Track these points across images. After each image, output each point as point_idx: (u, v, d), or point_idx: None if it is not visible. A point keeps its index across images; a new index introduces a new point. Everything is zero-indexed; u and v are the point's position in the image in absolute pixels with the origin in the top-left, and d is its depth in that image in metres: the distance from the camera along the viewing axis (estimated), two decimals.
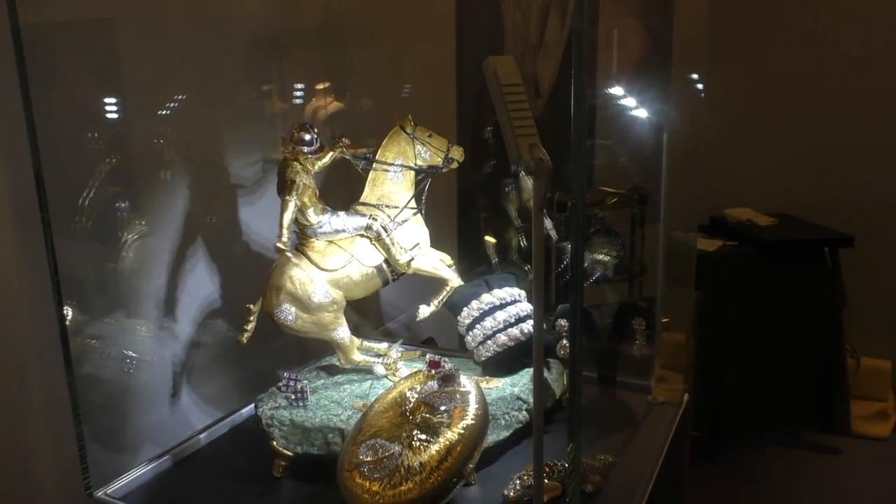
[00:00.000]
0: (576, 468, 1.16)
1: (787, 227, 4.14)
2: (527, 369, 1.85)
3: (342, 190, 2.04)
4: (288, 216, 1.69)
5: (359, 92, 2.70)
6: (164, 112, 2.04)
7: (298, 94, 2.53)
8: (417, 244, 1.87)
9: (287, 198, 1.70)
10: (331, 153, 1.85)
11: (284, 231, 1.67)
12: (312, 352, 2.16)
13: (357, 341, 1.91)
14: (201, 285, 2.11)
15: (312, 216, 1.77)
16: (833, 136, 4.26)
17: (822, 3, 4.25)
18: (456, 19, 3.04)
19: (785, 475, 3.85)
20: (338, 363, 1.90)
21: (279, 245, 1.66)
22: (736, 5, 4.35)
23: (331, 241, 1.81)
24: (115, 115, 1.93)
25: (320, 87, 2.66)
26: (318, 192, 1.80)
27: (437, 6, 3.06)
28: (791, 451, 4.04)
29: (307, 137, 1.72)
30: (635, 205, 3.05)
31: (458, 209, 3.04)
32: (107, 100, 1.90)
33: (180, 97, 2.06)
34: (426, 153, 1.88)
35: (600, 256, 2.67)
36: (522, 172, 2.41)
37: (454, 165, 1.91)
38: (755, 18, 4.37)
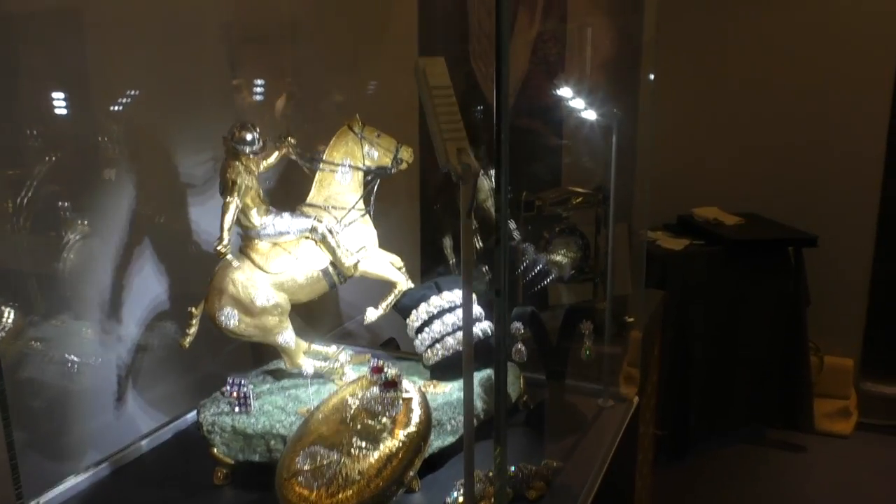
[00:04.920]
0: (501, 473, 1.14)
1: (753, 226, 4.16)
2: (477, 373, 1.82)
3: (289, 190, 2.01)
4: (228, 218, 1.65)
5: (317, 89, 2.67)
6: (108, 109, 1.99)
7: (256, 90, 2.49)
8: (364, 247, 1.84)
9: (228, 199, 1.67)
10: (276, 152, 1.82)
11: (225, 234, 1.63)
12: (266, 353, 2.13)
13: (304, 345, 1.88)
14: (148, 286, 2.06)
15: (256, 218, 1.74)
16: (799, 137, 4.29)
17: (783, 4, 4.27)
18: (418, 16, 3.01)
19: (750, 472, 3.88)
20: (284, 367, 1.87)
21: (219, 248, 1.62)
22: (696, 6, 4.36)
23: (275, 243, 1.77)
24: (56, 112, 1.88)
25: (281, 81, 2.62)
26: (261, 193, 1.76)
27: (399, 2, 3.03)
28: (756, 449, 4.07)
29: (249, 137, 1.68)
30: (600, 204, 3.05)
31: (421, 207, 3.01)
32: (47, 95, 1.84)
33: (127, 94, 2.01)
34: (374, 153, 1.85)
35: (558, 258, 2.65)
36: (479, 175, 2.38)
37: (403, 166, 1.88)
38: (716, 18, 4.38)
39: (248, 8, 2.43)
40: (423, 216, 2.92)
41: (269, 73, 2.53)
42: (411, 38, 3.05)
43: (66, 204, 1.91)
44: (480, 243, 2.33)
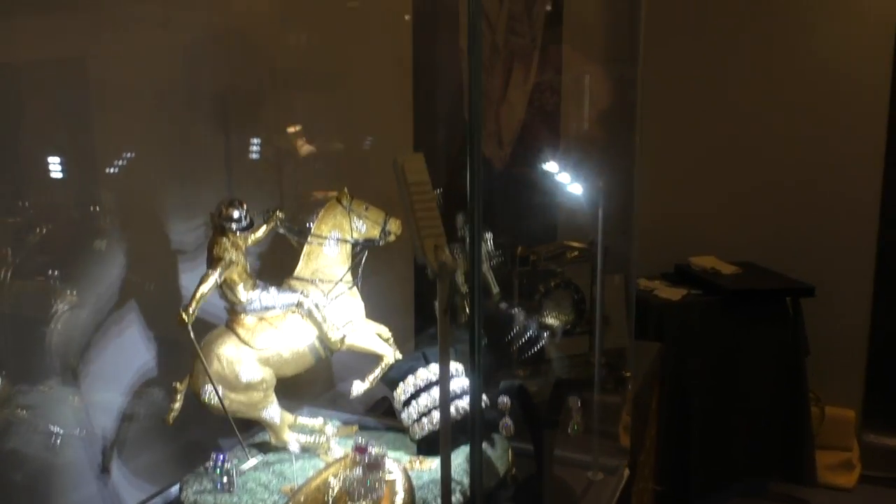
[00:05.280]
0: None
1: (750, 276, 4.15)
2: (463, 447, 1.81)
3: (280, 260, 2.01)
4: (203, 288, 1.65)
5: (314, 144, 2.69)
6: (101, 175, 2.00)
7: (250, 150, 2.51)
8: (350, 321, 1.84)
9: (209, 271, 1.67)
10: (265, 226, 1.83)
11: (194, 302, 1.62)
12: (252, 422, 2.11)
13: (290, 418, 1.86)
14: (136, 355, 2.05)
15: (242, 293, 1.74)
16: (795, 186, 4.30)
17: (782, 48, 4.30)
18: (413, 74, 3.04)
19: None
20: (269, 440, 1.85)
21: (183, 314, 1.61)
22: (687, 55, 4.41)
23: (261, 318, 1.77)
24: (46, 179, 1.89)
25: (292, 129, 2.65)
26: (248, 268, 1.77)
27: (394, 61, 3.06)
28: (758, 503, 4.01)
29: (236, 214, 1.69)
30: (595, 258, 3.04)
31: (415, 264, 3.02)
32: (40, 162, 1.86)
33: (121, 158, 2.02)
34: (363, 226, 1.86)
35: (550, 320, 2.64)
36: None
37: (391, 238, 1.88)
38: (710, 66, 4.41)
39: (242, 69, 2.46)
40: (416, 274, 2.92)
41: (265, 131, 2.55)
42: (406, 95, 3.08)
43: (56, 272, 1.92)
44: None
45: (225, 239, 1.70)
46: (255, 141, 2.53)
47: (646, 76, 4.41)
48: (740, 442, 3.97)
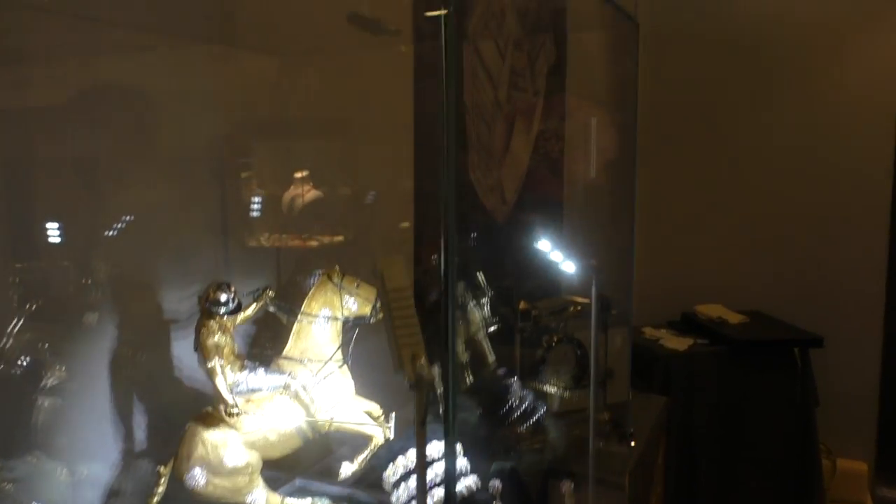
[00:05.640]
0: None
1: (758, 325, 4.09)
2: None
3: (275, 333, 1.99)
4: (221, 381, 1.66)
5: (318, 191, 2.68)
6: (93, 249, 2.00)
7: (250, 208, 2.51)
8: (339, 402, 1.81)
9: (210, 364, 1.66)
10: (254, 305, 1.81)
11: (227, 396, 1.64)
12: None
13: (277, 499, 1.83)
14: (125, 428, 2.03)
15: (229, 375, 1.72)
16: (801, 234, 4.26)
17: (788, 95, 4.29)
18: (414, 129, 3.04)
19: None
20: None
21: (232, 412, 1.63)
22: (711, 99, 4.40)
23: (248, 399, 1.75)
24: (39, 251, 1.89)
25: (298, 175, 2.65)
26: (236, 349, 1.75)
27: (396, 117, 3.07)
28: None
29: (223, 298, 1.68)
30: (599, 313, 3.01)
31: None
32: (28, 236, 1.86)
33: (114, 227, 2.02)
34: (354, 304, 1.84)
35: (549, 388, 2.60)
36: (471, 305, 2.36)
37: (382, 315, 1.86)
38: (716, 115, 4.40)
39: (239, 129, 2.46)
40: None
41: (260, 192, 2.55)
42: (407, 148, 3.07)
43: (46, 345, 1.90)
44: (471, 377, 2.29)
45: (212, 322, 1.69)
46: (255, 199, 2.53)
47: (650, 124, 4.43)
48: (749, 496, 3.89)
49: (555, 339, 2.88)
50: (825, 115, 4.17)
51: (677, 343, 3.98)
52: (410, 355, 1.12)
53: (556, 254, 2.18)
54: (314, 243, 2.64)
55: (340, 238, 2.75)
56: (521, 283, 3.23)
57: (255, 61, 2.44)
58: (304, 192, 2.67)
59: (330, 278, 1.83)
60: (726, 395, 3.86)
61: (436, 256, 2.54)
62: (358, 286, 1.84)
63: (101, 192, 2.00)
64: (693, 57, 4.37)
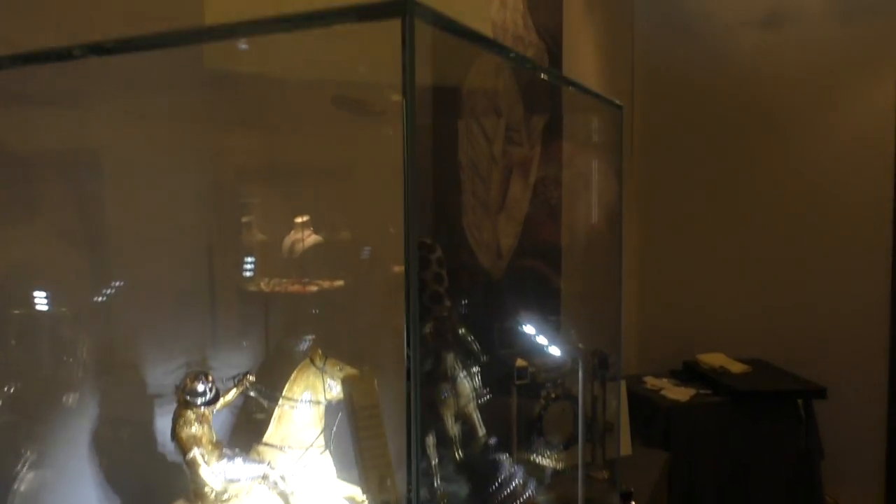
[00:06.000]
0: None
1: (760, 375, 4.04)
2: None
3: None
4: (205, 471, 1.63)
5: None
6: (74, 321, 1.97)
7: (241, 272, 2.48)
8: (318, 491, 1.77)
9: (190, 456, 1.63)
10: (234, 390, 1.78)
11: (215, 483, 1.61)
12: None
13: None
14: None
15: (206, 468, 1.68)
16: (803, 282, 4.21)
17: (789, 142, 4.26)
18: (412, 191, 3.02)
19: None
20: None
21: (222, 499, 1.60)
22: (710, 145, 4.39)
23: (224, 489, 1.71)
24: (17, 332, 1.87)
25: (299, 220, 2.62)
26: (214, 438, 1.71)
27: (391, 171, 3.05)
28: None
29: (200, 388, 1.65)
30: (596, 369, 2.99)
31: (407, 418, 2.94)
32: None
33: (95, 300, 2.00)
34: (336, 387, 1.80)
35: (545, 447, 2.56)
36: (461, 376, 2.32)
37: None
38: (716, 164, 4.39)
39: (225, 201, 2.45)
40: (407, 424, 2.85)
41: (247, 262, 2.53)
42: (401, 206, 3.05)
43: (24, 430, 1.88)
44: (461, 452, 2.24)
45: (190, 412, 1.66)
46: (247, 267, 2.51)
47: (649, 170, 4.41)
48: None
49: (552, 395, 2.85)
50: (824, 163, 4.16)
51: (679, 394, 3.93)
52: (378, 477, 1.09)
53: (541, 338, 2.14)
54: (314, 288, 2.62)
55: (340, 283, 2.72)
56: (518, 341, 3.19)
57: (243, 136, 2.44)
58: (304, 237, 2.65)
59: (312, 361, 1.80)
60: (729, 448, 3.80)
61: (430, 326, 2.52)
62: (341, 369, 1.80)
63: (81, 263, 1.98)
64: (690, 107, 4.37)
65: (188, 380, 1.66)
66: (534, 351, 3.17)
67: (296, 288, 2.66)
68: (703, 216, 4.39)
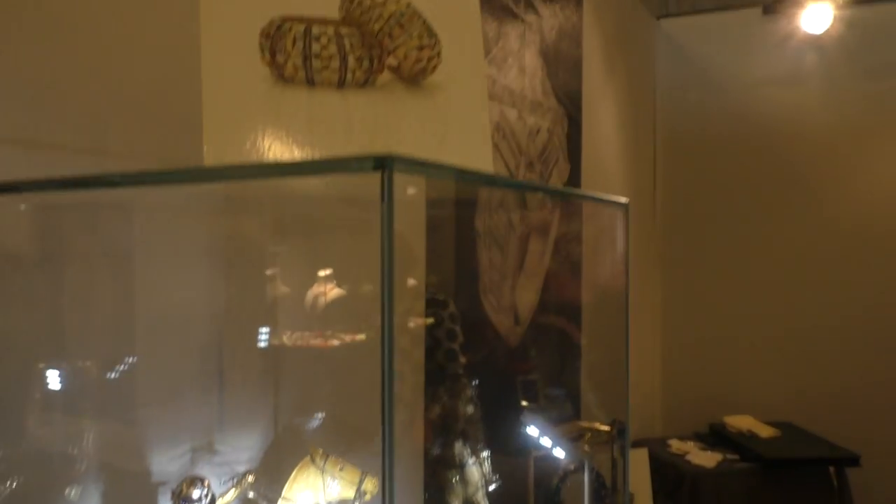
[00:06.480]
0: None
1: (790, 440, 3.91)
2: None
3: None
4: None
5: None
6: (76, 409, 1.98)
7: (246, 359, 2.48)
8: None
9: None
10: (232, 490, 1.76)
11: None
12: None
13: None
14: None
15: None
16: (836, 344, 4.10)
17: (817, 196, 4.18)
18: (426, 256, 3.01)
19: None
20: None
21: None
22: (734, 204, 4.32)
23: None
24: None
25: (322, 273, 2.62)
26: None
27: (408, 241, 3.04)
28: None
29: (195, 495, 1.64)
30: (615, 439, 2.93)
31: None
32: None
33: (97, 389, 2.00)
34: (336, 487, 1.78)
35: None
36: (470, 462, 2.28)
37: (367, 498, 1.80)
38: (754, 220, 4.31)
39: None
40: None
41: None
42: (419, 278, 3.04)
43: None
44: None
45: None
46: (262, 337, 2.50)
47: (673, 231, 4.35)
48: None
49: (571, 467, 2.80)
50: (851, 221, 4.06)
51: (705, 459, 3.83)
52: None
53: (545, 440, 2.09)
54: (336, 342, 2.60)
55: (363, 336, 2.70)
56: (533, 412, 3.15)
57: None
58: (327, 291, 2.64)
59: (313, 460, 1.78)
60: None
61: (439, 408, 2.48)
62: (342, 468, 1.79)
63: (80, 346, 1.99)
64: (713, 165, 4.32)
65: (184, 485, 1.65)
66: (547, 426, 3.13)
67: (318, 342, 2.65)
68: (728, 275, 4.31)
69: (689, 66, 4.25)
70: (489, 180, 1.59)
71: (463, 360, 2.61)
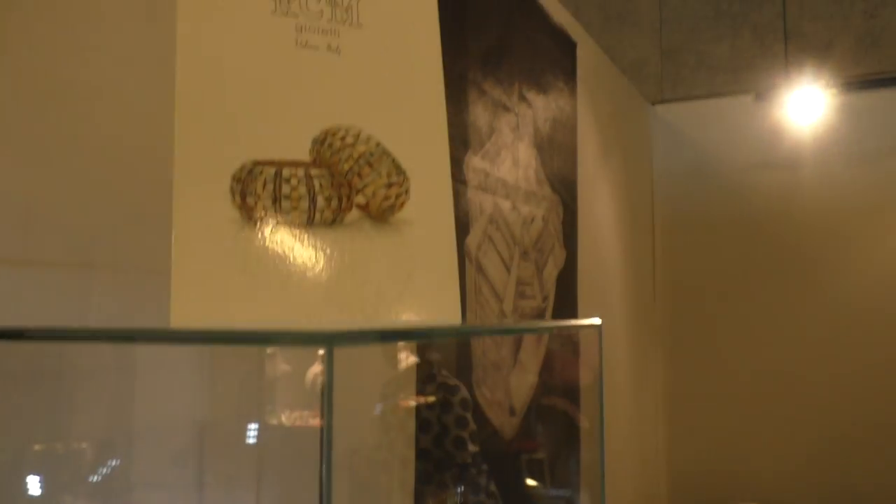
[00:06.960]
0: None
1: None
2: None
3: None
4: None
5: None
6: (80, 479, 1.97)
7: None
8: None
9: None
10: None
11: None
12: None
13: None
14: None
15: None
16: (850, 431, 4.01)
17: (821, 289, 4.15)
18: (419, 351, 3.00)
19: None
20: None
21: None
22: (737, 288, 4.30)
23: None
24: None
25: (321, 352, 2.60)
26: None
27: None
28: None
29: None
30: None
31: None
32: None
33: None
34: None
35: None
36: None
37: None
38: (757, 299, 4.28)
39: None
40: None
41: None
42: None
43: None
44: None
45: None
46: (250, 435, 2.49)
47: (673, 312, 4.32)
48: None
49: None
50: (856, 303, 4.02)
51: None
52: None
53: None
54: None
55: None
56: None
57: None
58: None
59: None
60: None
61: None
62: None
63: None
64: (712, 247, 4.32)
65: None
66: None
67: (317, 422, 2.63)
68: (732, 358, 4.26)
69: (685, 150, 4.30)
70: (476, 330, 1.58)
71: (472, 448, 2.57)
